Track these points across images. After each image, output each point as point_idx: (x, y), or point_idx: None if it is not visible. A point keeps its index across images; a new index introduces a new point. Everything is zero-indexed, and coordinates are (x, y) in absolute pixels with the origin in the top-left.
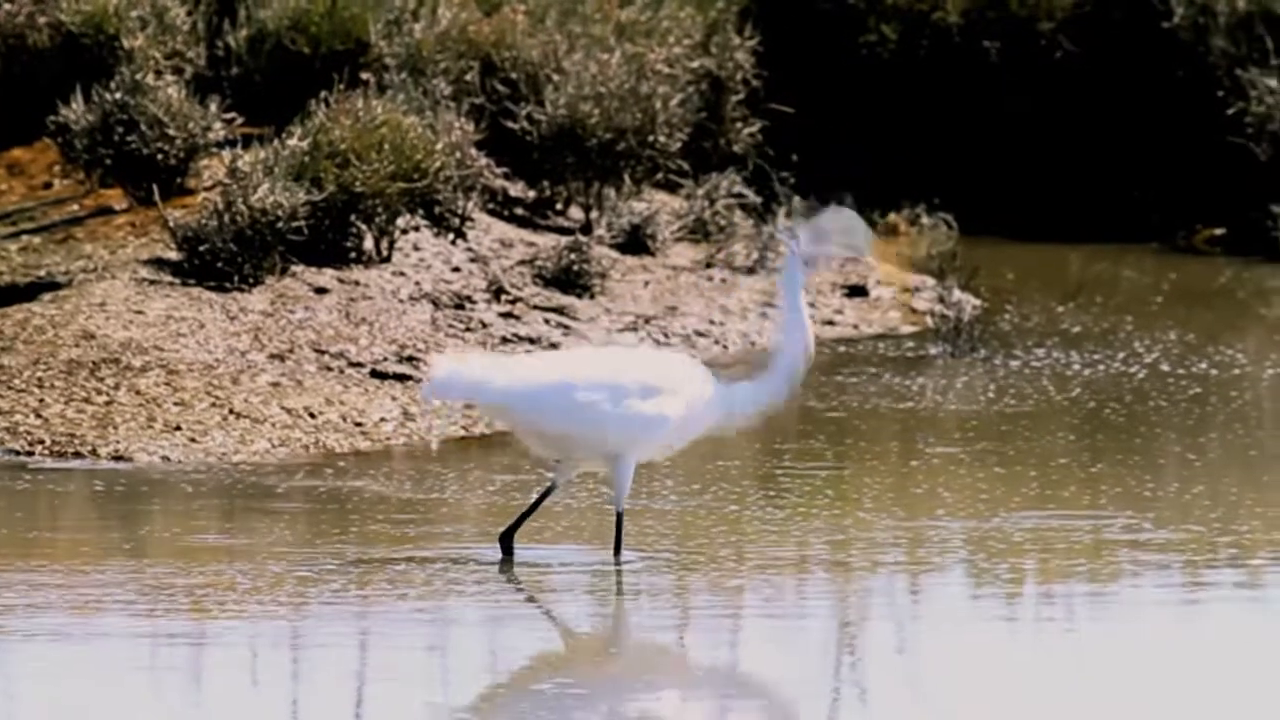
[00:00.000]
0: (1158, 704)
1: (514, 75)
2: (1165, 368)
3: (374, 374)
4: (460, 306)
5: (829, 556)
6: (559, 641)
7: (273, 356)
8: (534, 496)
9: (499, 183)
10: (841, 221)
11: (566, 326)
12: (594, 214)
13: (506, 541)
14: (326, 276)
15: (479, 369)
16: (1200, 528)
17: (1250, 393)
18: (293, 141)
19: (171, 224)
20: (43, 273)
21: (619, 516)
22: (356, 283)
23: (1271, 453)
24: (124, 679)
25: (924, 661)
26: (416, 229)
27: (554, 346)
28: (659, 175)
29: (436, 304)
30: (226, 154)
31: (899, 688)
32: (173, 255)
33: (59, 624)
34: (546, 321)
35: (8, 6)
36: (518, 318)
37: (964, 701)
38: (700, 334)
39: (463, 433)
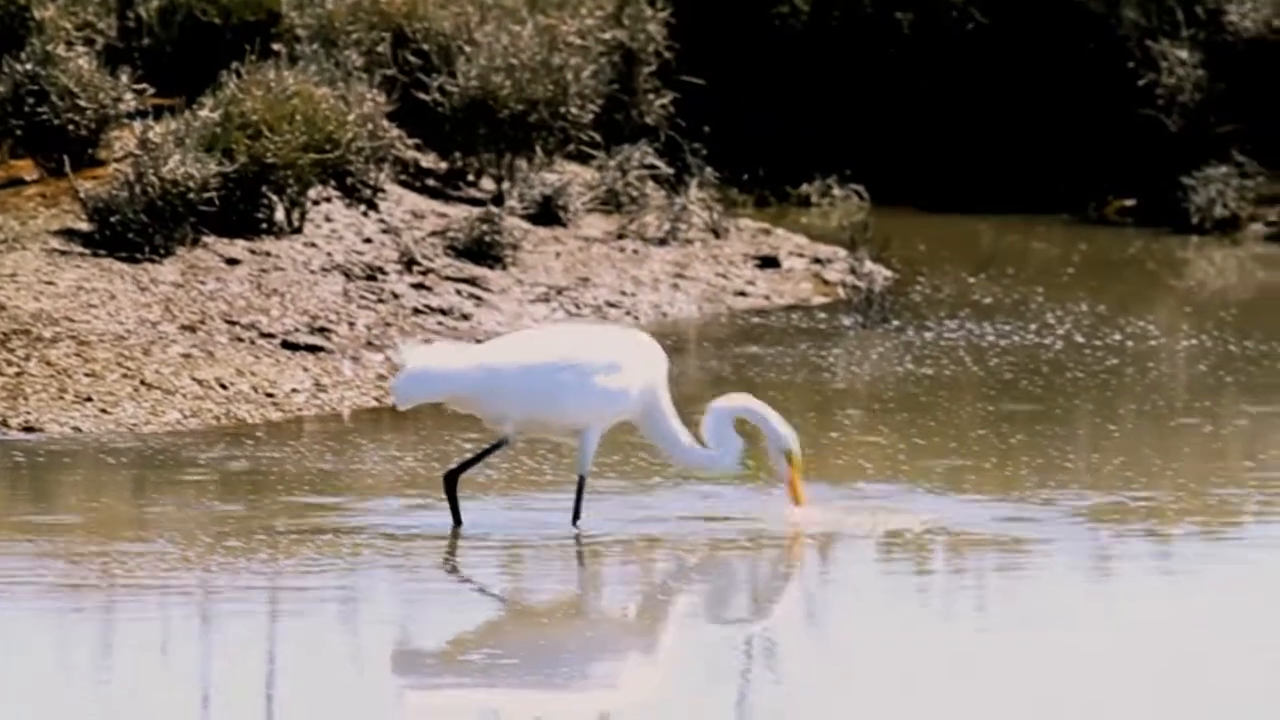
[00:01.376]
0: (1058, 671)
1: (426, 46)
2: (1079, 339)
3: (285, 345)
4: (372, 278)
5: (752, 527)
6: (481, 611)
7: (184, 328)
8: (485, 446)
9: (411, 154)
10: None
11: (478, 298)
12: (506, 185)
13: (451, 482)
14: (238, 248)
15: (446, 362)
16: (1119, 497)
17: (1165, 363)
18: (204, 113)
19: (82, 195)
20: None
21: (581, 480)
22: (268, 254)
23: (1188, 423)
24: (33, 649)
25: (832, 629)
26: (328, 200)
27: (466, 318)
28: (571, 146)
29: (348, 275)
30: (138, 125)
31: (810, 653)
32: (84, 226)
33: None
34: (458, 293)
35: None
36: (430, 289)
37: (866, 666)
38: (612, 305)
39: (374, 403)
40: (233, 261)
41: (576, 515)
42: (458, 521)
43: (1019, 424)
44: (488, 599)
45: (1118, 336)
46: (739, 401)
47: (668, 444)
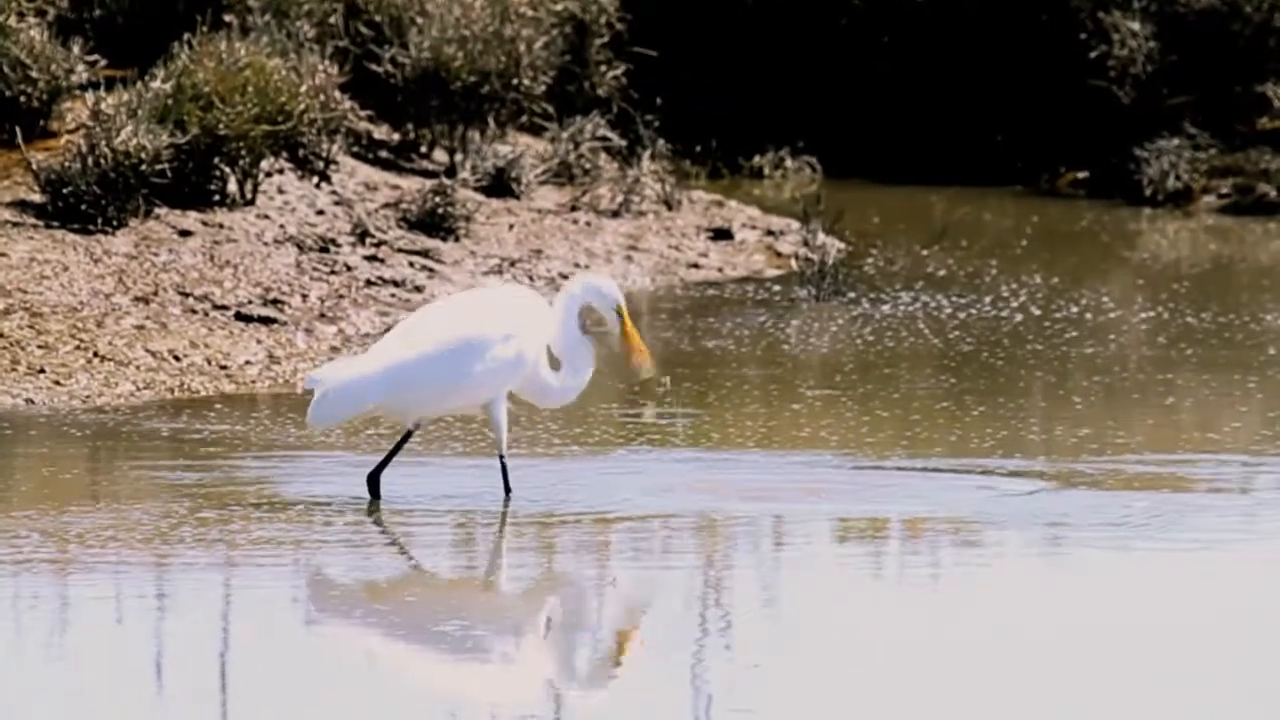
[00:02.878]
0: (1015, 642)
1: (378, 18)
2: (1036, 311)
3: (239, 317)
4: (325, 249)
5: (712, 503)
6: (428, 581)
7: (137, 299)
8: (397, 440)
9: (363, 125)
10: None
11: (431, 269)
12: (458, 157)
13: (374, 482)
14: (190, 219)
15: (347, 375)
16: (1085, 467)
17: (1125, 335)
18: (156, 84)
19: (34, 166)
20: None
21: (502, 460)
22: (220, 225)
23: (1152, 393)
24: None
25: (790, 602)
26: (281, 172)
27: (419, 290)
28: (523, 118)
29: (301, 247)
30: (90, 96)
31: (764, 628)
32: (36, 198)
33: None
34: (411, 264)
35: None
36: (382, 260)
37: (826, 642)
38: (565, 276)
39: None
40: (185, 233)
41: (507, 489)
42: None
43: (981, 396)
44: (430, 568)
45: (1074, 309)
46: (576, 287)
47: (539, 393)
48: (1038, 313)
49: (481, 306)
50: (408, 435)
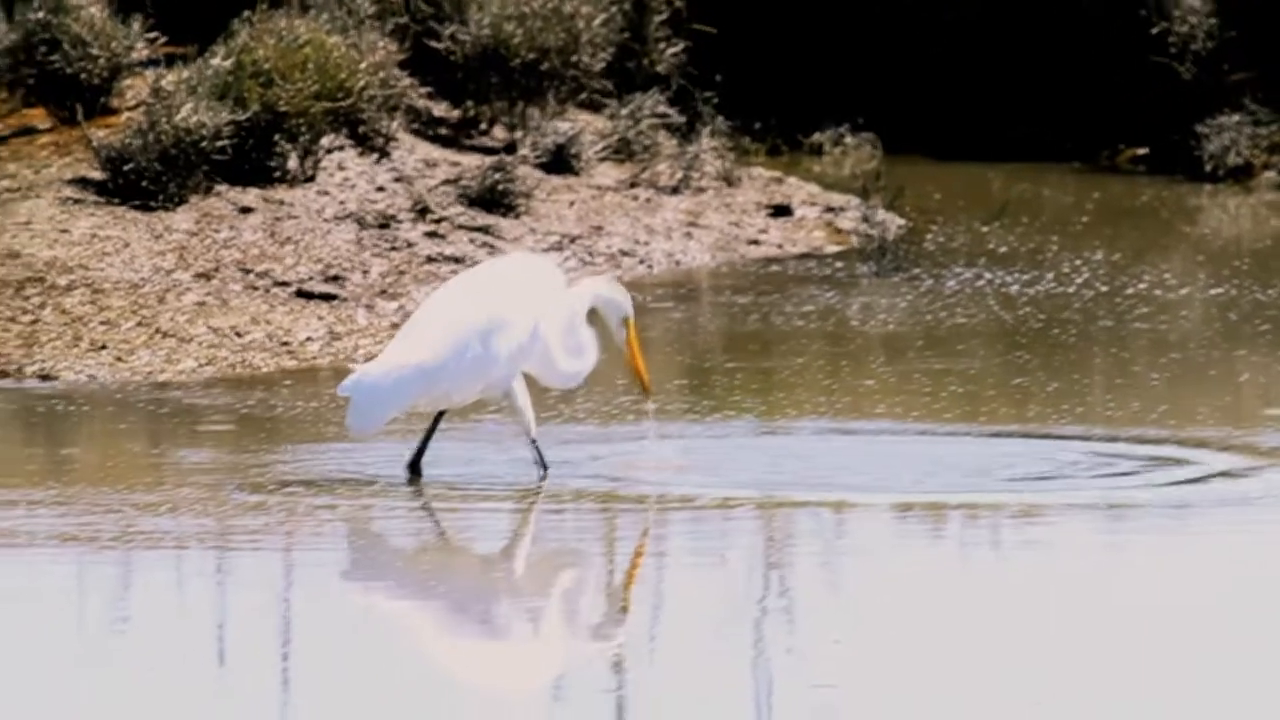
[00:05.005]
0: (1088, 616)
1: None
2: (1102, 287)
3: (300, 293)
4: (385, 226)
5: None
6: (487, 559)
7: (198, 275)
8: (428, 426)
9: (423, 103)
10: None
11: (491, 246)
12: (518, 134)
13: (414, 469)
14: (251, 196)
15: (378, 379)
16: (1167, 446)
17: (1193, 310)
18: (216, 61)
19: (95, 144)
20: None
21: (534, 442)
22: (281, 202)
23: (1227, 370)
24: (49, 597)
25: (852, 581)
26: (341, 149)
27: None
28: (583, 95)
29: (361, 223)
30: (150, 73)
31: (823, 603)
32: (97, 175)
33: None
34: (471, 241)
35: None
36: (443, 237)
37: (888, 621)
38: (625, 253)
39: None
40: (246, 210)
41: (543, 465)
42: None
43: (1057, 370)
44: (490, 544)
45: (1142, 285)
46: (586, 292)
47: (547, 371)
48: (1105, 289)
49: (497, 284)
50: (439, 418)
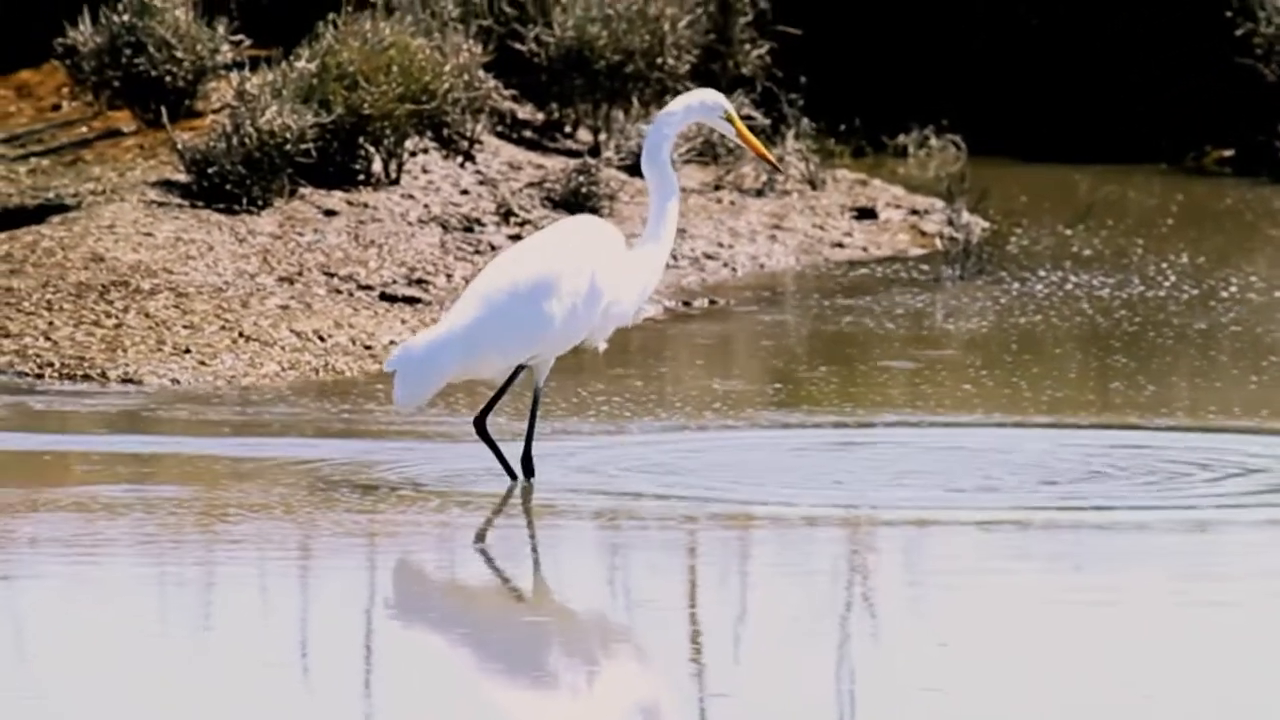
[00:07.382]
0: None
1: None
2: (1193, 290)
3: (383, 297)
4: (469, 229)
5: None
6: (563, 571)
7: (282, 279)
8: (504, 382)
9: (507, 105)
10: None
11: None
12: (602, 136)
13: (481, 427)
14: (335, 199)
15: (419, 347)
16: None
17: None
18: (301, 64)
19: (180, 146)
20: (51, 195)
21: (538, 395)
22: (365, 205)
23: None
24: (133, 598)
25: (936, 577)
26: (425, 151)
27: None
28: (667, 97)
29: (445, 226)
30: (234, 76)
31: (898, 610)
32: (181, 178)
33: (69, 535)
34: None
35: None
36: None
37: (967, 622)
38: (709, 256)
39: None
40: (330, 213)
41: (527, 472)
42: (507, 468)
43: (1162, 374)
44: (572, 555)
45: (1233, 288)
46: (675, 110)
47: (620, 316)
48: (1195, 292)
49: (547, 244)
50: (515, 374)
